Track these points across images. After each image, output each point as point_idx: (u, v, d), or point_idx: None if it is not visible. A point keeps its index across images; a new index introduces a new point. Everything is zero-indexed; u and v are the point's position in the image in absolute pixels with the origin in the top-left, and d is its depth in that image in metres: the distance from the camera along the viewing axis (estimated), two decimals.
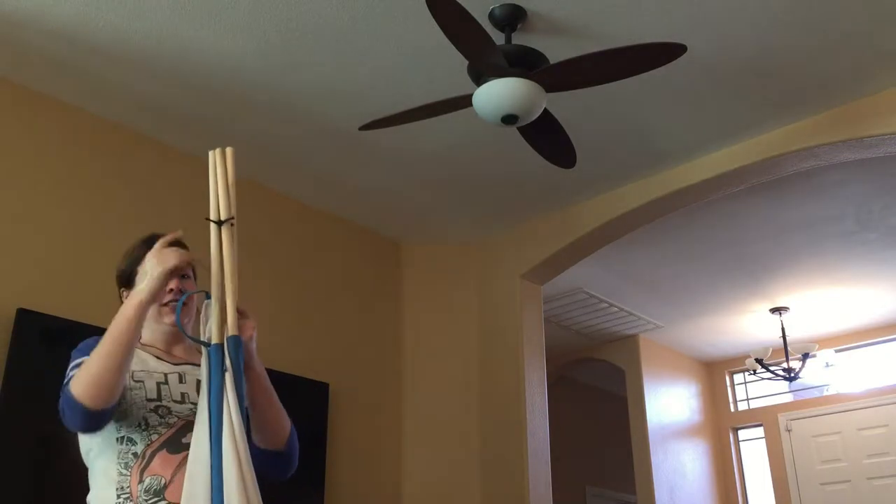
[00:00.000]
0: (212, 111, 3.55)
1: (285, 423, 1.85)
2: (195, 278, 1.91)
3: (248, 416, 1.70)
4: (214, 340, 1.66)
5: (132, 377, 1.76)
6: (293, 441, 1.87)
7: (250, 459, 1.57)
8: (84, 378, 1.62)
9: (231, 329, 1.67)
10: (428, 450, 4.47)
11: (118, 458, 1.70)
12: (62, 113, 3.46)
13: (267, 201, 4.10)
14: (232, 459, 1.53)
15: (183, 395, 1.78)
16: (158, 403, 1.75)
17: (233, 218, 1.79)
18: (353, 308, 4.46)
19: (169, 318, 1.85)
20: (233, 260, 1.74)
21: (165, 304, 1.85)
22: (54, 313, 3.11)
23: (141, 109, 3.54)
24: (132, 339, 1.66)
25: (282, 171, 4.01)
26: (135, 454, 1.70)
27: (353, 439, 4.19)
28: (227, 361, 1.63)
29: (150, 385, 1.76)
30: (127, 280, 1.89)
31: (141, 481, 1.67)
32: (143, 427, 1.71)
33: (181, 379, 1.81)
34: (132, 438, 1.71)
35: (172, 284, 1.82)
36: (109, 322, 1.81)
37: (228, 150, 1.88)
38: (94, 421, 1.64)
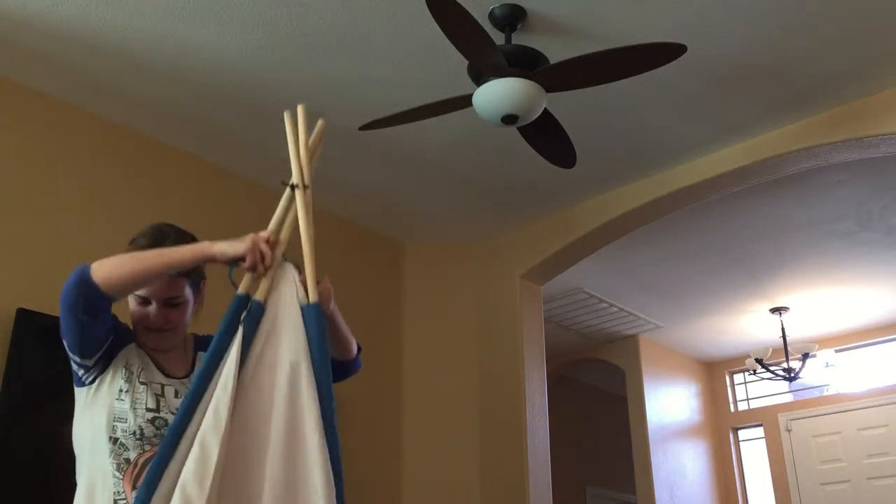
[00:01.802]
0: (211, 111, 3.54)
1: (352, 346, 2.00)
2: (191, 305, 1.89)
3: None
4: (257, 297, 1.66)
5: (139, 378, 1.77)
6: (358, 357, 2.04)
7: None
8: (109, 263, 1.66)
9: (311, 296, 1.69)
10: (428, 450, 4.47)
11: (111, 458, 1.70)
12: (62, 113, 3.46)
13: (267, 201, 4.08)
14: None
15: (178, 409, 1.77)
16: (156, 414, 1.75)
17: (297, 184, 1.82)
18: (352, 308, 4.43)
19: (150, 343, 1.84)
20: (306, 226, 1.76)
21: (147, 328, 1.83)
22: (54, 313, 3.09)
23: (141, 109, 3.54)
24: (169, 272, 1.71)
25: (281, 171, 3.99)
26: (127, 460, 1.69)
27: (354, 440, 4.19)
28: (304, 329, 1.64)
29: (150, 394, 1.77)
30: None
31: (134, 488, 1.65)
32: (137, 436, 1.71)
33: (176, 394, 1.81)
34: (125, 444, 1.71)
35: (153, 311, 1.81)
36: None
37: (300, 110, 1.89)
38: (88, 296, 1.64)
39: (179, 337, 1.89)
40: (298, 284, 1.69)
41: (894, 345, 6.48)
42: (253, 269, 1.68)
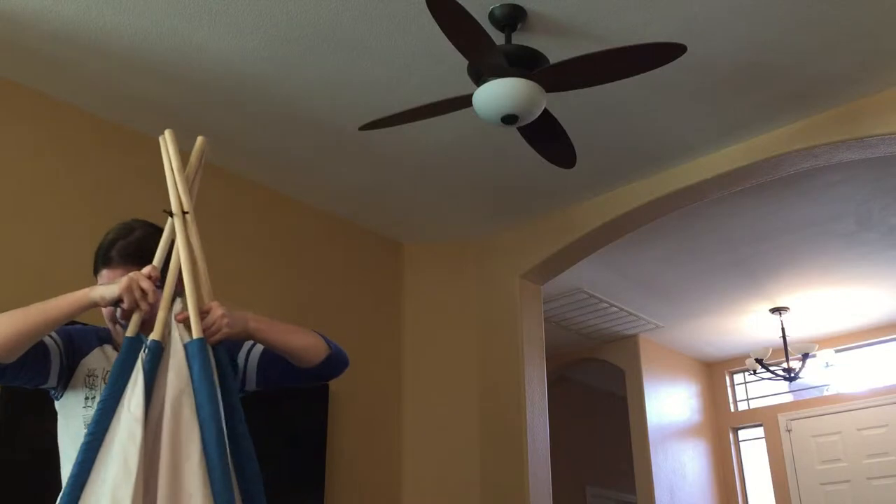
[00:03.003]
0: (211, 111, 3.54)
1: (313, 352, 1.84)
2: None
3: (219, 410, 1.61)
4: (153, 337, 1.60)
5: (104, 380, 1.73)
6: (331, 357, 1.87)
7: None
8: None
9: (194, 332, 1.62)
10: (427, 450, 4.47)
11: None
12: (62, 113, 3.46)
13: (267, 201, 4.09)
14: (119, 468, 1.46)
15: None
16: None
17: (170, 211, 1.73)
18: (352, 308, 4.46)
19: (119, 338, 1.79)
20: (187, 255, 1.69)
21: (114, 323, 1.78)
22: None
23: (141, 109, 3.54)
24: (57, 325, 1.64)
25: (282, 171, 4.00)
26: None
27: (353, 440, 4.19)
28: (187, 366, 1.59)
29: None
30: (94, 266, 1.83)
31: None
32: None
33: None
34: None
35: (119, 310, 1.74)
36: (104, 324, 1.79)
37: (168, 134, 1.82)
38: None
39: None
40: (181, 323, 1.64)
41: (894, 345, 6.48)
42: (134, 307, 1.62)
